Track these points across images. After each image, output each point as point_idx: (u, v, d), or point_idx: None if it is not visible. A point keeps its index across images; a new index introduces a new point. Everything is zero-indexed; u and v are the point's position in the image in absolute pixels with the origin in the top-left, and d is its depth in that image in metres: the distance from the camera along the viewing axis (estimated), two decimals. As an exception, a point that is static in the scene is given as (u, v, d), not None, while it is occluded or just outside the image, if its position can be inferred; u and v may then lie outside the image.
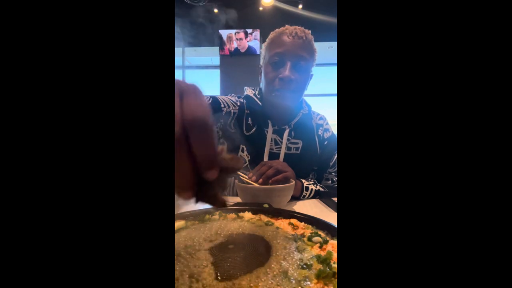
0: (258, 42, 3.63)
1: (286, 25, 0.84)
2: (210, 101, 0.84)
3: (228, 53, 3.68)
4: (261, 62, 0.89)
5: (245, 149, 0.85)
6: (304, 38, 0.80)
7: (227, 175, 0.25)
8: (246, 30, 3.62)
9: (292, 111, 0.89)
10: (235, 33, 3.64)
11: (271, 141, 0.86)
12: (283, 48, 0.80)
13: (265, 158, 0.84)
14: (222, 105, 0.86)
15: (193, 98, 0.22)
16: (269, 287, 0.26)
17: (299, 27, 0.83)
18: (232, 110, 0.88)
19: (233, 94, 0.94)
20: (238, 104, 0.90)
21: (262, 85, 0.88)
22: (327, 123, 0.98)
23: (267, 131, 0.86)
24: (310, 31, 0.83)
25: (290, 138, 0.88)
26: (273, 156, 0.86)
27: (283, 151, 0.86)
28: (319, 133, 0.94)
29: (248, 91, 0.92)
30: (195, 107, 0.21)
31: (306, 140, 0.90)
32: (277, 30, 0.85)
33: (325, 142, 0.93)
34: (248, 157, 0.85)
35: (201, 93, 0.23)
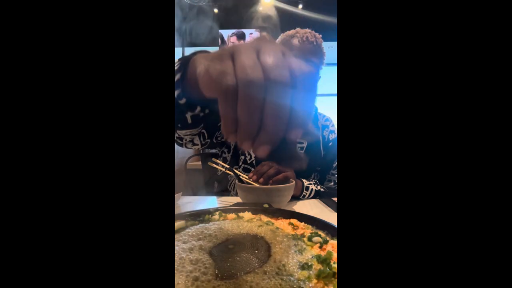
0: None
1: (297, 28, 0.84)
2: None
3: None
4: None
5: None
6: (314, 43, 0.80)
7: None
8: (243, 31, 3.63)
9: None
10: (230, 35, 3.65)
11: None
12: (293, 52, 0.80)
13: None
14: None
15: (249, 56, 0.20)
16: (269, 287, 0.26)
17: (310, 31, 0.83)
18: None
19: None
20: None
21: None
22: (332, 125, 0.99)
23: None
24: (320, 36, 0.84)
25: None
26: None
27: None
28: (324, 134, 0.95)
29: None
30: (251, 64, 0.19)
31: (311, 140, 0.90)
32: (288, 32, 0.84)
33: (330, 144, 0.94)
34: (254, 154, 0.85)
35: (275, 44, 0.21)
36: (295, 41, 0.80)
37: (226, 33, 3.65)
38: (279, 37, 0.86)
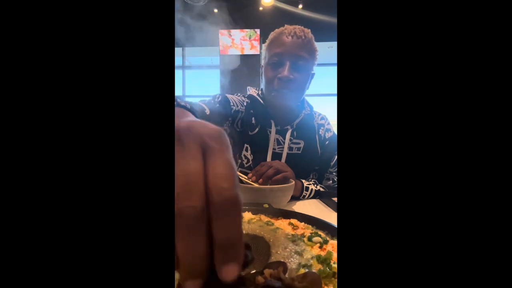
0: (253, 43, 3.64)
1: (286, 25, 0.85)
2: (219, 99, 0.84)
3: (229, 53, 3.70)
4: (262, 63, 0.89)
5: (249, 148, 0.86)
6: (303, 37, 0.80)
7: None
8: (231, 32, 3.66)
9: (294, 111, 0.89)
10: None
11: (274, 141, 0.86)
12: (282, 48, 0.80)
13: (269, 158, 0.84)
14: (232, 103, 0.87)
15: (222, 164, 0.17)
16: (269, 287, 0.26)
17: (299, 27, 0.83)
18: (240, 109, 0.88)
19: (239, 94, 0.95)
20: (244, 104, 0.91)
21: (263, 85, 0.89)
22: (328, 123, 0.98)
23: (270, 131, 0.86)
24: (309, 30, 0.84)
25: (292, 138, 0.88)
26: (276, 156, 0.86)
27: (285, 151, 0.86)
28: (320, 133, 0.94)
29: (251, 90, 0.93)
30: (224, 178, 0.17)
31: (308, 140, 0.90)
32: (276, 30, 0.85)
33: (326, 142, 0.93)
34: (251, 156, 0.85)
35: (230, 150, 0.18)
36: (284, 38, 0.81)
37: (225, 33, 3.67)
38: (269, 36, 0.86)
